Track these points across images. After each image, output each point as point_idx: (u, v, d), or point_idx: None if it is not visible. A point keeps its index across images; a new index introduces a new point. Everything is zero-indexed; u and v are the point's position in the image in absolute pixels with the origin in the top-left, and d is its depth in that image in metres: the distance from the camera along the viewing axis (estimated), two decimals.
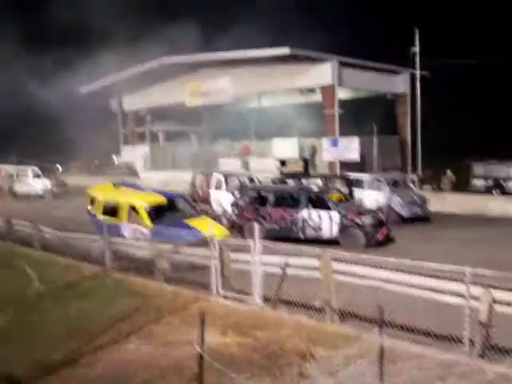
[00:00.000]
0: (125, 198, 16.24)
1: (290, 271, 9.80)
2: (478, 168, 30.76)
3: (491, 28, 49.50)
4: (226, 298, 10.37)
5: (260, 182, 23.30)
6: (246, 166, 34.30)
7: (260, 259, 9.84)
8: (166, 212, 15.93)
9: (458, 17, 49.67)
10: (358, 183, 23.07)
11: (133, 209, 15.56)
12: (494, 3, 49.50)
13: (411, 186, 25.18)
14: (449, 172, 29.51)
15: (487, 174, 30.23)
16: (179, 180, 29.40)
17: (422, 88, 33.02)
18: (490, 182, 30.01)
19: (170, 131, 44.23)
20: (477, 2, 50.82)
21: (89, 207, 17.36)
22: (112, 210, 16.06)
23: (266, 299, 9.88)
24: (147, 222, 15.06)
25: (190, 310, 9.66)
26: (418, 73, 32.91)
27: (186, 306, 9.89)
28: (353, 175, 23.73)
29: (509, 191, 29.17)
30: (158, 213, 15.53)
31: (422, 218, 21.98)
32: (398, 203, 21.85)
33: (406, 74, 34.47)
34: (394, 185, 23.34)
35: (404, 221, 21.45)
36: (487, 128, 44.91)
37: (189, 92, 37.25)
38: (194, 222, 15.25)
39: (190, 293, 10.82)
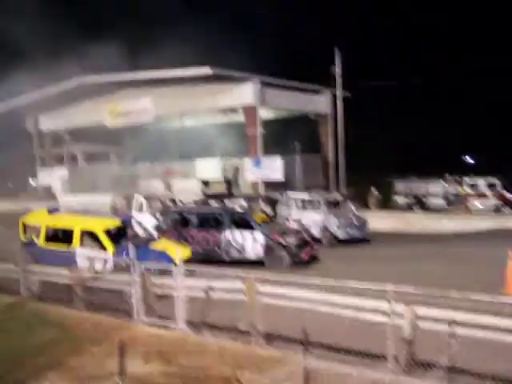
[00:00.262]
0: (77, 222, 15.02)
1: (214, 294, 9.65)
2: (400, 185, 31.80)
3: (413, 49, 51.73)
4: (148, 324, 10.09)
5: (183, 203, 23.06)
6: (168, 187, 33.91)
7: (183, 283, 9.65)
8: (123, 236, 14.92)
9: (382, 38, 51.56)
10: (295, 203, 22.89)
11: (88, 234, 14.42)
12: (417, 25, 51.87)
13: (352, 206, 24.30)
14: (373, 190, 30.15)
15: (408, 191, 31.28)
16: (100, 203, 28.65)
17: (345, 108, 33.72)
18: (411, 199, 31.03)
19: (90, 152, 43.17)
20: (402, 23, 53.06)
21: (22, 236, 16.12)
22: (59, 237, 14.97)
23: (190, 324, 9.68)
24: (110, 246, 13.90)
25: (111, 339, 9.31)
26: (339, 93, 33.62)
27: (107, 335, 9.53)
28: (290, 195, 23.55)
29: (429, 207, 30.27)
30: (116, 237, 14.51)
31: (360, 240, 21.66)
32: (334, 224, 21.56)
33: (328, 94, 35.21)
34: (335, 205, 23.01)
35: (340, 242, 21.25)
36: (409, 146, 46.65)
37: (108, 112, 36.63)
38: (159, 245, 14.54)
39: (112, 321, 10.46)
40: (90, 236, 14.37)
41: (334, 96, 34.26)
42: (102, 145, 42.35)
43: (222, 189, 26.88)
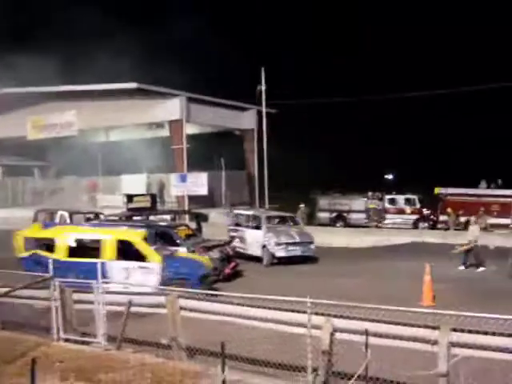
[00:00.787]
0: (111, 232, 14.64)
1: (136, 309, 9.56)
2: (323, 201, 32.33)
3: (338, 69, 53.17)
4: (68, 340, 9.87)
5: (106, 218, 22.66)
6: (93, 201, 33.29)
7: (103, 298, 9.51)
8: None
9: (308, 59, 52.74)
10: (237, 220, 22.56)
11: (124, 244, 13.99)
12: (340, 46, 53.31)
13: (298, 223, 23.02)
14: (302, 206, 30.46)
15: (331, 207, 31.87)
16: (20, 218, 27.81)
17: (271, 125, 34.08)
18: (334, 215, 31.66)
19: (11, 166, 41.79)
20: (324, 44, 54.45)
21: (22, 251, 15.23)
22: (84, 250, 14.27)
23: (111, 339, 9.53)
24: (155, 256, 13.64)
25: (28, 356, 9.04)
26: (264, 110, 34.03)
27: (24, 353, 9.25)
28: (236, 211, 23.28)
29: (349, 223, 31.00)
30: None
31: (304, 258, 20.50)
32: (273, 242, 20.23)
33: (253, 110, 35.58)
34: (281, 222, 22.29)
35: (281, 259, 20.11)
36: (333, 162, 47.74)
37: (30, 125, 35.66)
38: (188, 255, 15.30)
39: (29, 338, 10.15)
40: (129, 246, 14.05)
41: (260, 113, 34.70)
42: (25, 158, 41.14)
43: (146, 203, 26.54)
